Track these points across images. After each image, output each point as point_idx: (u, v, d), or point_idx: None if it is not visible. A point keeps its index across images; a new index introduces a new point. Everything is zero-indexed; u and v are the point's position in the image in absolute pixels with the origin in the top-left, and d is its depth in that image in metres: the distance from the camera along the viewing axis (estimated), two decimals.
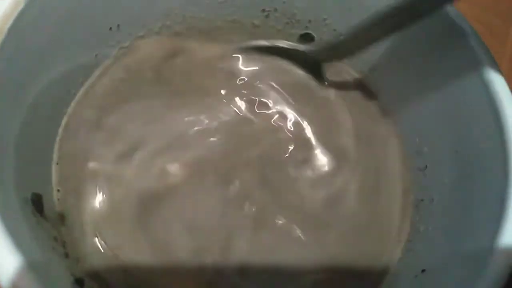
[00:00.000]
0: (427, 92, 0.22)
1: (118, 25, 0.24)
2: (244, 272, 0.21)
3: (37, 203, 0.19)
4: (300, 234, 0.22)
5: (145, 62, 0.25)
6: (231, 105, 0.25)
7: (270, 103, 0.25)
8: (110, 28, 0.24)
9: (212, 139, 0.24)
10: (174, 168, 0.22)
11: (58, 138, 0.22)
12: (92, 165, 0.22)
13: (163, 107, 0.24)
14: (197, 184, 0.22)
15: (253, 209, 0.22)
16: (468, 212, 0.19)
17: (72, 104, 0.23)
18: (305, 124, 0.25)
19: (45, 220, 0.19)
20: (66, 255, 0.19)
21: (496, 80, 0.18)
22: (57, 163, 0.22)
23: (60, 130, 0.22)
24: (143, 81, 0.25)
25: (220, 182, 0.23)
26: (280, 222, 0.22)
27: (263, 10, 0.26)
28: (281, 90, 0.26)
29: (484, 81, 0.18)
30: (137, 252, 0.21)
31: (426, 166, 0.23)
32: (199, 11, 0.26)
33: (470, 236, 0.18)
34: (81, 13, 0.21)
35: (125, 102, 0.24)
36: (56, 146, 0.22)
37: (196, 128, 0.24)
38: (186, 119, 0.24)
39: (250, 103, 0.25)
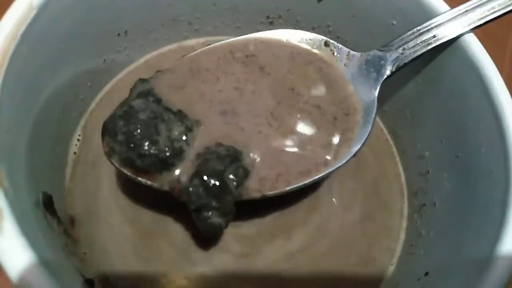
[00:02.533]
0: (428, 97, 0.23)
1: (126, 31, 0.24)
2: None
3: (48, 204, 0.19)
4: None
5: None
6: None
7: None
8: (118, 34, 0.24)
9: None
10: None
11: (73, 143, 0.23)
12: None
13: None
14: None
15: None
16: (470, 217, 0.19)
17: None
18: None
19: (55, 221, 0.19)
20: (76, 256, 0.20)
21: (497, 86, 0.19)
22: (71, 168, 0.23)
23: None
24: None
25: None
26: None
27: (268, 17, 0.26)
28: None
29: (485, 87, 0.19)
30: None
31: (428, 171, 0.23)
32: (204, 17, 0.26)
33: (471, 241, 0.18)
34: (91, 20, 0.22)
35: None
36: (71, 150, 0.23)
37: None
38: None
39: None
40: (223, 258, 0.22)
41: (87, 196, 0.22)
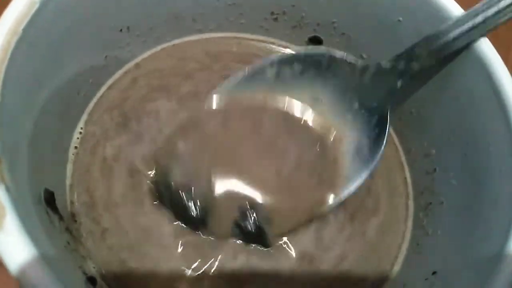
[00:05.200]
0: (436, 96, 0.22)
1: (128, 27, 0.24)
2: None
3: (50, 200, 0.19)
4: None
5: None
6: None
7: None
8: (120, 30, 0.24)
9: None
10: None
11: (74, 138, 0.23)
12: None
13: None
14: None
15: None
16: (478, 216, 0.19)
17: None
18: None
19: (57, 217, 0.19)
20: (78, 253, 0.19)
21: (506, 85, 0.18)
22: (72, 164, 0.22)
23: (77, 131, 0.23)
24: None
25: None
26: None
27: (272, 13, 0.26)
28: None
29: (494, 86, 0.19)
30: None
31: (435, 169, 0.23)
32: (207, 13, 0.26)
33: (480, 239, 0.18)
34: (93, 15, 0.21)
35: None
36: (72, 146, 0.23)
37: None
38: None
39: None
40: (230, 262, 0.21)
41: (87, 193, 0.22)
